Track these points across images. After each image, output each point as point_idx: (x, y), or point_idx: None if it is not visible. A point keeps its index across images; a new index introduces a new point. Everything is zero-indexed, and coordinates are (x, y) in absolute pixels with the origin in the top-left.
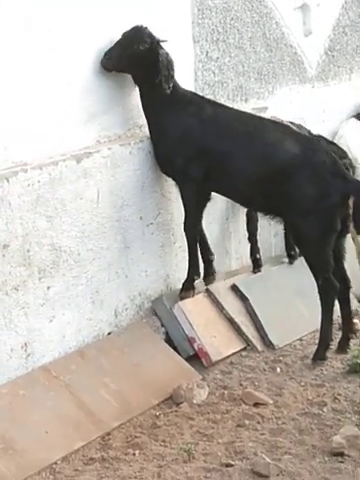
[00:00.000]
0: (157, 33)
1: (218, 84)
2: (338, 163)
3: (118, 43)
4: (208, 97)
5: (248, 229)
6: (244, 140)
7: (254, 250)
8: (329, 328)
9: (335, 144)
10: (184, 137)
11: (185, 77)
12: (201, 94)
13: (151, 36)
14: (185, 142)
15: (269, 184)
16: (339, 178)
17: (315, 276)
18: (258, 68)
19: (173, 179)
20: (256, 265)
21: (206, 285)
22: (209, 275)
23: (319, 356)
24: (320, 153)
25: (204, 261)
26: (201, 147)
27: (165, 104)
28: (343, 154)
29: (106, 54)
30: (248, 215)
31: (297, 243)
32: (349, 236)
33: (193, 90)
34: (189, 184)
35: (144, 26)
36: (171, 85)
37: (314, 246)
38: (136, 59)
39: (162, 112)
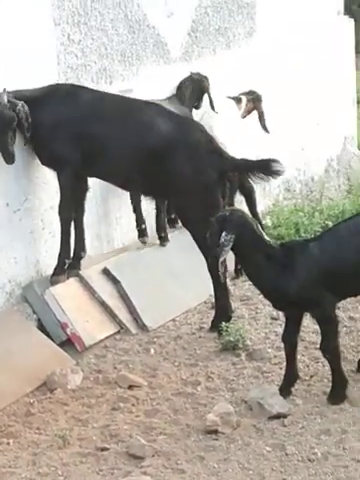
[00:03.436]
0: (15, 16)
1: (81, 67)
2: (213, 141)
3: None
4: (82, 85)
5: (132, 201)
6: (118, 123)
7: (139, 220)
8: (225, 299)
9: None
10: (59, 124)
11: (47, 61)
12: (65, 78)
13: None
14: (60, 129)
15: (145, 165)
16: (215, 155)
17: (203, 254)
18: (121, 50)
19: (52, 168)
20: (141, 234)
21: (67, 278)
22: (73, 269)
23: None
24: (195, 132)
25: (74, 255)
26: (76, 132)
27: (39, 102)
28: None
29: None
30: None
31: (182, 223)
32: None
33: (56, 74)
34: (66, 169)
35: None
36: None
37: (198, 225)
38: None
39: (37, 109)
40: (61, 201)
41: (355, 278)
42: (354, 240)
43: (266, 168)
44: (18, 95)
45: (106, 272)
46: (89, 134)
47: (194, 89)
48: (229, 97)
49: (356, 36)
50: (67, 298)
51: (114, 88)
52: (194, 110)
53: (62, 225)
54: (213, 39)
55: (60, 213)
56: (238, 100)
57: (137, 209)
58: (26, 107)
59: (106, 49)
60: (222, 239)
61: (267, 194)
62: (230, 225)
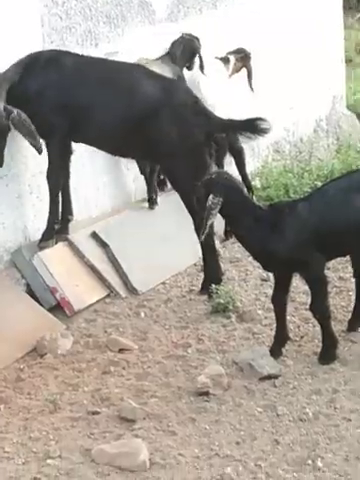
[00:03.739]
0: None
1: (66, 29)
2: (199, 102)
3: None
4: (62, 49)
5: (140, 169)
6: (103, 87)
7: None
8: (214, 262)
9: None
10: (45, 93)
11: (31, 23)
12: (50, 40)
13: None
14: (46, 98)
15: (132, 129)
16: (201, 116)
17: (192, 216)
18: (106, 12)
19: (40, 135)
20: (151, 202)
21: (55, 243)
22: (61, 233)
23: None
24: (180, 93)
25: (61, 219)
26: (62, 100)
27: (23, 76)
28: None
29: None
30: None
31: (171, 185)
32: None
33: (40, 37)
34: (54, 136)
35: None
36: (38, 138)
37: (186, 187)
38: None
39: (22, 82)
40: (49, 167)
41: (344, 237)
42: (343, 199)
43: (253, 127)
44: (5, 79)
45: (95, 236)
46: (75, 100)
47: (184, 49)
48: (217, 57)
49: None
50: (56, 263)
51: (100, 50)
52: (186, 71)
53: (51, 190)
54: None
55: (49, 179)
56: (226, 60)
57: (144, 170)
58: (23, 115)
59: (90, 11)
60: (209, 202)
61: (256, 155)
62: (216, 188)
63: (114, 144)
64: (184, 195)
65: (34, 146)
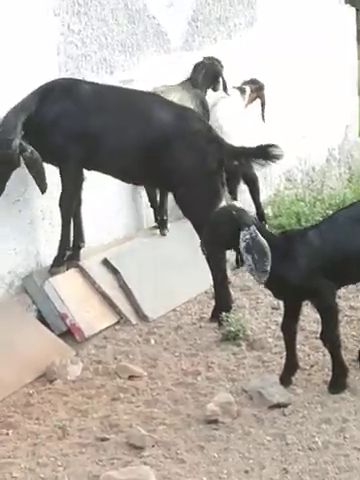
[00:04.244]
0: (15, 6)
1: (81, 57)
2: (212, 129)
3: None
4: (76, 78)
5: (148, 196)
6: (117, 116)
7: (156, 213)
8: (225, 289)
9: None
10: (59, 120)
11: (47, 52)
12: (65, 68)
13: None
14: (61, 124)
15: (146, 157)
16: (214, 144)
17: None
18: (121, 40)
19: (54, 163)
20: (162, 227)
21: (66, 269)
22: (72, 259)
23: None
24: (194, 121)
25: (73, 245)
26: (78, 128)
27: (40, 105)
28: None
29: None
30: None
31: (184, 214)
32: None
33: (56, 64)
34: (69, 163)
35: None
36: (46, 183)
37: (199, 215)
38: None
39: (39, 111)
40: (63, 194)
41: (354, 265)
42: (354, 227)
43: (264, 153)
44: (22, 109)
45: (106, 262)
46: (89, 129)
47: (207, 73)
48: (234, 87)
49: (357, 25)
50: (67, 289)
51: (115, 78)
52: (212, 92)
53: (63, 217)
54: (214, 28)
55: (61, 205)
56: (242, 90)
57: (154, 204)
58: (35, 154)
59: (106, 39)
60: (246, 236)
61: (268, 184)
62: (243, 220)
63: (127, 172)
64: (196, 223)
65: (39, 186)
